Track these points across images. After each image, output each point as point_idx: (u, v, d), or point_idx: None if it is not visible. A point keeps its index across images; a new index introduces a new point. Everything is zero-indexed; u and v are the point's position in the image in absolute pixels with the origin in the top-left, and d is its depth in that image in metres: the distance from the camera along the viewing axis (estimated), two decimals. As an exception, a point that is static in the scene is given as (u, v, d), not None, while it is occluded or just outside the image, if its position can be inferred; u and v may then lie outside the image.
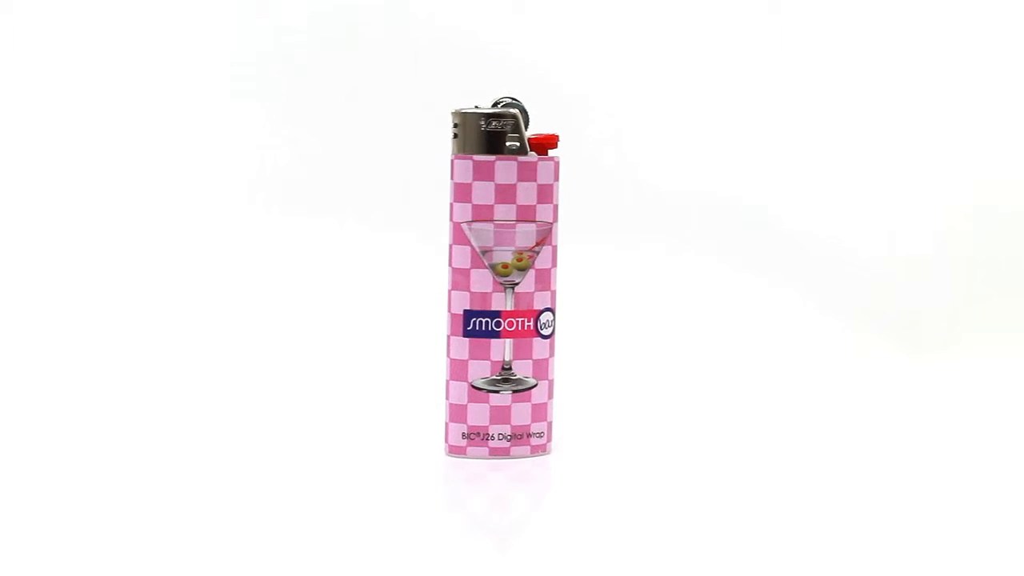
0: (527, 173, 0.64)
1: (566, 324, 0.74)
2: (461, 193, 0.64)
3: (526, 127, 0.64)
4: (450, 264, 0.65)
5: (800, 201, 0.98)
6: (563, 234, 0.68)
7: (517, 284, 0.65)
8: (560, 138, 0.65)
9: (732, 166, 0.99)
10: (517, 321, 0.65)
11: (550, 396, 0.66)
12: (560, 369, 0.68)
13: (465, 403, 0.65)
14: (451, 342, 0.65)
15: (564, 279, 0.69)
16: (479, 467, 0.64)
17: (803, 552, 0.54)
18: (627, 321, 0.92)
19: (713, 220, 0.97)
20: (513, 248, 0.64)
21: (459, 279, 0.65)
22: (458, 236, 0.64)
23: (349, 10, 0.99)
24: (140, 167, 0.97)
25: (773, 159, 0.99)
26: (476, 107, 0.64)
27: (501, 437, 0.65)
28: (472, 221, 0.64)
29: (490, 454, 0.65)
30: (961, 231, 0.96)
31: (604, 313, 0.92)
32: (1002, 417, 0.76)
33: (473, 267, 0.64)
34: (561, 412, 0.69)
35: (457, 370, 0.65)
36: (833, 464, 0.66)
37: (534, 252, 0.65)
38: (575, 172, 0.72)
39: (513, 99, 0.65)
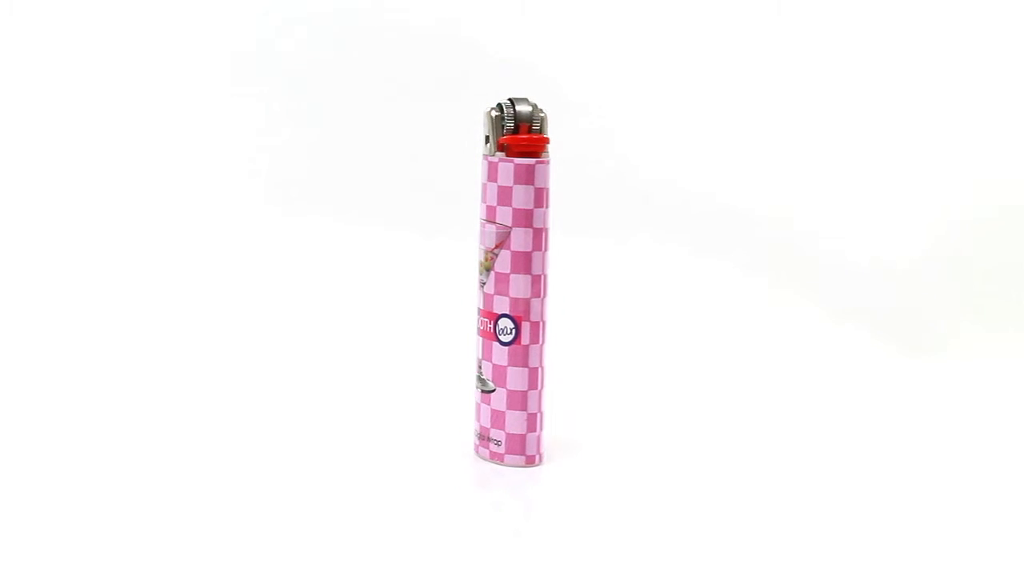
0: (491, 174, 0.64)
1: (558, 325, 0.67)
2: (487, 190, 0.67)
3: (503, 129, 0.63)
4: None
5: (798, 200, 0.96)
6: (556, 237, 0.64)
7: (484, 283, 0.65)
8: (547, 142, 0.63)
9: (731, 166, 0.97)
10: (483, 321, 0.65)
11: (510, 407, 0.64)
12: (548, 377, 0.65)
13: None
14: (483, 335, 0.68)
15: (558, 283, 0.66)
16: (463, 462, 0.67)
17: (804, 557, 0.55)
18: (622, 324, 0.89)
19: (712, 221, 0.95)
20: (483, 247, 0.65)
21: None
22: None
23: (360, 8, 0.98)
24: (147, 168, 0.96)
25: (772, 158, 0.97)
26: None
27: (475, 433, 0.66)
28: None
29: (474, 448, 0.67)
30: (961, 230, 0.95)
31: (599, 314, 0.89)
32: (1002, 417, 0.76)
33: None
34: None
35: (482, 362, 0.68)
36: (833, 466, 0.66)
37: (494, 254, 0.64)
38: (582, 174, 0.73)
39: (512, 101, 0.64)
